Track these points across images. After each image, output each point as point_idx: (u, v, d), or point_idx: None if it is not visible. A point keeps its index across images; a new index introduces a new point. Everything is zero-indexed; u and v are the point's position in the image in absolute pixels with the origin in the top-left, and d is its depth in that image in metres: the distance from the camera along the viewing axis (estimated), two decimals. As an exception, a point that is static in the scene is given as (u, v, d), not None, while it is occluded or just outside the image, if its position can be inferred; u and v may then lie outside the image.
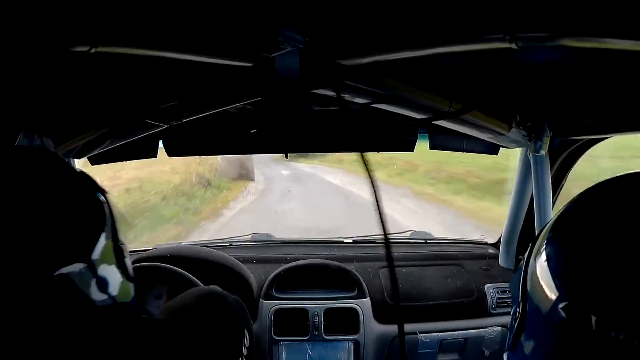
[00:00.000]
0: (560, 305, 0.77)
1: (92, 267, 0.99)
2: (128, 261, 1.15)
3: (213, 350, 1.15)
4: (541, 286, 0.83)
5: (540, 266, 0.84)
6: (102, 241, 1.02)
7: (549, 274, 0.81)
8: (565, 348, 0.77)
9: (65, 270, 0.92)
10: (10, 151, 1.08)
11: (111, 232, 1.07)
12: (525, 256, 0.93)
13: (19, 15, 1.19)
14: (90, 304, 0.99)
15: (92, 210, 1.04)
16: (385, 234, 1.22)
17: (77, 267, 0.95)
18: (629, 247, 0.74)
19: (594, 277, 0.75)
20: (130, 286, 1.15)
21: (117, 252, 1.09)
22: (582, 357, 0.75)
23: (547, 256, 0.84)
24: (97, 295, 1.01)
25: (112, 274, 1.06)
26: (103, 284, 1.02)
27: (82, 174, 1.09)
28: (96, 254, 1.00)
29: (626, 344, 0.69)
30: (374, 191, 1.23)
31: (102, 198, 1.09)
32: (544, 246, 0.86)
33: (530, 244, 0.94)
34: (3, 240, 0.87)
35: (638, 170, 0.84)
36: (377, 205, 1.22)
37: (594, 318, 0.72)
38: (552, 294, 0.79)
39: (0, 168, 0.97)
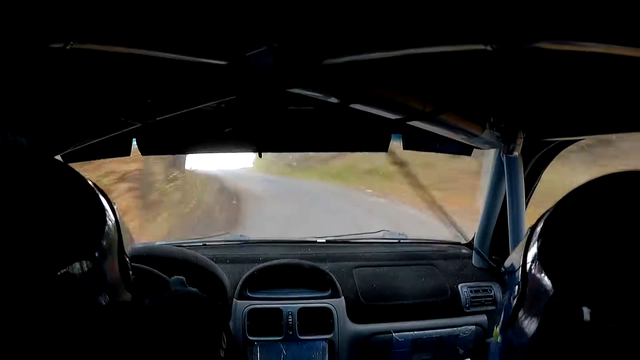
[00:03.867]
0: (554, 297, 0.80)
1: (95, 265, 0.98)
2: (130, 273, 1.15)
3: (192, 352, 1.15)
4: (537, 277, 0.85)
5: (535, 258, 0.87)
6: (105, 241, 1.02)
7: (542, 267, 0.84)
8: (556, 335, 0.80)
9: (69, 268, 0.91)
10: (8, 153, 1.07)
11: (116, 233, 1.07)
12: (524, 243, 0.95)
13: None
14: (92, 303, 0.99)
15: (93, 210, 1.03)
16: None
17: (80, 265, 0.94)
18: (615, 243, 0.77)
19: (585, 272, 0.78)
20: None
21: (122, 262, 1.09)
22: (571, 342, 0.78)
23: (541, 250, 0.86)
24: (98, 294, 1.00)
25: (114, 274, 1.05)
26: (104, 283, 1.02)
27: (82, 178, 1.09)
28: (99, 252, 0.99)
29: (614, 331, 0.72)
30: None
31: (104, 202, 1.08)
32: (539, 239, 0.88)
33: (528, 231, 0.96)
34: (6, 240, 0.87)
35: (621, 171, 0.86)
36: None
37: (586, 310, 0.75)
38: (546, 286, 0.82)
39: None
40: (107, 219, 1.04)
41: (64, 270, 0.90)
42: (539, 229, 0.91)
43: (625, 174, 0.87)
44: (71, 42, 1.29)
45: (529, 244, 0.92)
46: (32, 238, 0.89)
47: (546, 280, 0.82)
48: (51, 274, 0.89)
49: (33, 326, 0.89)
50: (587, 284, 0.77)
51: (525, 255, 0.92)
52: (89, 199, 1.03)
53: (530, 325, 0.89)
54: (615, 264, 0.77)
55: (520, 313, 0.93)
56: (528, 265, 0.90)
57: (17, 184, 0.95)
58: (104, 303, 1.01)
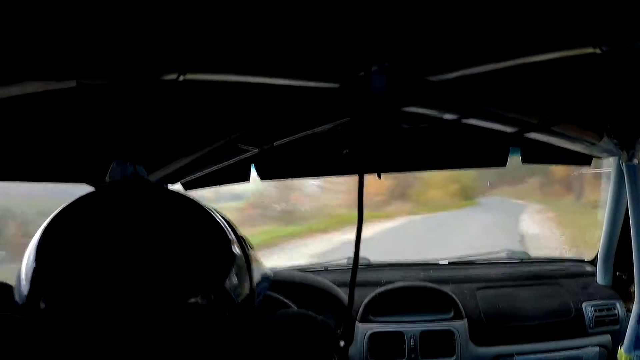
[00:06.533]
0: None
1: (224, 294, 1.02)
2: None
3: None
4: None
5: None
6: (233, 277, 1.05)
7: None
8: None
9: (196, 299, 0.95)
10: (138, 188, 1.13)
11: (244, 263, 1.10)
12: None
13: (110, 46, 1.26)
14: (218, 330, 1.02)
15: (219, 242, 1.06)
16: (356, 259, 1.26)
17: (207, 296, 0.98)
18: None
19: None
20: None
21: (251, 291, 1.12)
22: None
23: None
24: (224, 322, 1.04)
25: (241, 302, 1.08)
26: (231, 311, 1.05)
27: (206, 210, 1.13)
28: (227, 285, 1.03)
29: None
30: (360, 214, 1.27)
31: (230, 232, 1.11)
32: None
33: None
34: (135, 272, 0.91)
35: None
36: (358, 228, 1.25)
37: None
38: None
39: (130, 204, 1.01)
40: (234, 249, 1.07)
41: (193, 300, 0.93)
42: None
43: None
44: (184, 74, 1.36)
45: None
46: (162, 269, 0.92)
47: None
48: (179, 303, 0.93)
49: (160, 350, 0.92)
50: None
51: None
52: (214, 231, 1.06)
53: None
54: None
55: None
56: None
57: (147, 220, 0.98)
58: (229, 329, 1.04)
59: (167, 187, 1.20)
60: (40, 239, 0.93)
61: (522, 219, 14.66)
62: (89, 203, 1.01)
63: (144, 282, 0.89)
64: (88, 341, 0.87)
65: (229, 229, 1.10)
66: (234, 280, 1.03)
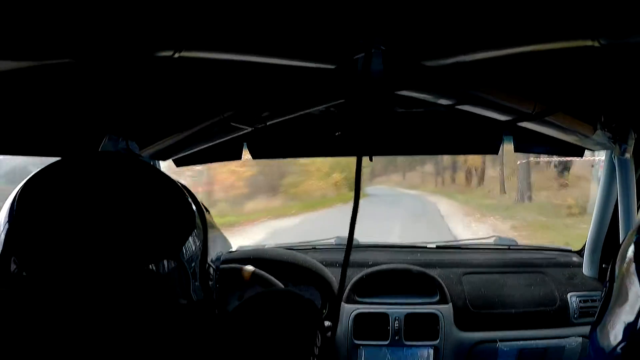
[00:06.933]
0: None
1: (179, 266, 1.03)
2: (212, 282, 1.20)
3: (285, 348, 1.18)
4: (625, 282, 0.83)
5: (627, 264, 0.85)
6: (191, 244, 1.07)
7: (635, 274, 0.81)
8: None
9: (154, 265, 0.97)
10: (106, 156, 1.15)
11: (202, 238, 1.12)
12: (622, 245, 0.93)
13: (105, 22, 1.25)
14: (172, 300, 1.04)
15: (182, 214, 1.08)
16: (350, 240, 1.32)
17: (165, 263, 1.00)
18: None
19: None
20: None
21: (203, 270, 1.14)
22: None
23: (634, 255, 0.84)
24: (178, 293, 1.06)
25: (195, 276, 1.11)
26: (186, 284, 1.07)
27: (178, 184, 1.15)
28: (184, 255, 1.05)
29: None
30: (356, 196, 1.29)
31: (195, 207, 1.13)
32: (632, 244, 0.86)
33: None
34: (98, 236, 0.93)
35: None
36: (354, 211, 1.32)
37: None
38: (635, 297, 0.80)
39: (97, 171, 1.04)
40: (195, 223, 1.10)
41: (150, 266, 0.96)
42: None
43: None
44: (179, 51, 1.35)
45: (628, 245, 0.89)
46: (123, 235, 0.95)
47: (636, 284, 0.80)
48: (138, 268, 0.95)
49: (114, 314, 0.94)
50: None
51: (621, 256, 0.90)
52: (178, 204, 1.09)
53: (616, 327, 0.86)
54: None
55: (607, 314, 0.90)
56: (619, 266, 0.88)
57: (114, 187, 1.01)
58: (183, 301, 1.07)
59: (139, 159, 1.22)
60: (10, 204, 0.97)
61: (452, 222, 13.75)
62: (59, 171, 1.04)
63: (105, 246, 0.93)
64: (50, 304, 0.90)
65: (193, 203, 1.14)
66: (191, 248, 1.07)
